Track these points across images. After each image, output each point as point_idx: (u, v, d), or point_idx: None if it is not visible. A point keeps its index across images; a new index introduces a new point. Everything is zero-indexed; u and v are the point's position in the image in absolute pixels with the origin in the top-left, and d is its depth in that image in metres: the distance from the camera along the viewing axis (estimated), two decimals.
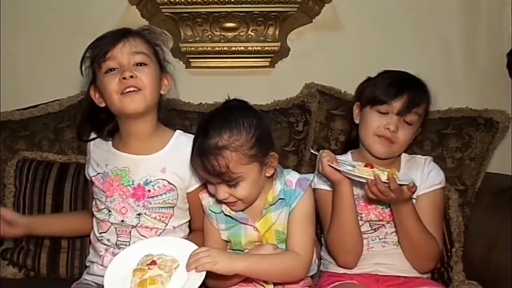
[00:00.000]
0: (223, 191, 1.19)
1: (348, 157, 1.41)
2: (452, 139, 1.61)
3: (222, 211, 1.26)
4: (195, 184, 1.32)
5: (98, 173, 1.34)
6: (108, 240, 1.31)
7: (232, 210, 1.24)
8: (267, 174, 1.23)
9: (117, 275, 1.15)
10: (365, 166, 1.28)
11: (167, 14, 1.73)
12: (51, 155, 1.62)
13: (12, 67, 1.82)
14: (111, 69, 1.26)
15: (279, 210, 1.25)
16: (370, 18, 1.84)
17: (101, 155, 1.36)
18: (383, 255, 1.33)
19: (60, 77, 1.81)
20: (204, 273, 1.12)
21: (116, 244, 1.31)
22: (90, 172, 1.36)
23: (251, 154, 1.17)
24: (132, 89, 1.25)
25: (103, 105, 1.31)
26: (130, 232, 1.30)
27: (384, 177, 1.22)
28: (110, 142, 1.36)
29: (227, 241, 1.29)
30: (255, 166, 1.18)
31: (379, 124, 1.33)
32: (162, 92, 1.33)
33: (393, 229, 1.33)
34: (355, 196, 1.31)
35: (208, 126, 1.18)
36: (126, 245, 1.29)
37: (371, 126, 1.34)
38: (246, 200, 1.22)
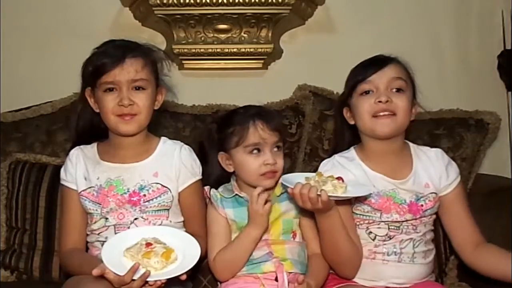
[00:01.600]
0: (272, 157, 1.30)
1: (352, 153, 1.37)
2: (443, 140, 1.62)
3: (237, 194, 1.32)
4: (185, 183, 1.35)
5: (89, 187, 1.33)
6: (106, 237, 1.31)
7: (266, 185, 1.28)
8: None
9: (114, 251, 1.17)
10: (337, 179, 1.25)
11: (160, 15, 1.73)
12: (45, 157, 1.60)
13: (7, 69, 1.81)
14: (110, 89, 1.29)
15: (287, 201, 1.32)
16: (362, 20, 1.85)
17: (87, 169, 1.35)
18: (398, 270, 1.30)
19: (52, 79, 1.80)
20: (196, 258, 1.17)
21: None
22: (79, 186, 1.34)
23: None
24: (128, 117, 1.29)
25: (98, 110, 1.33)
26: (128, 227, 1.30)
27: (329, 187, 1.21)
28: (96, 155, 1.36)
29: (233, 221, 1.32)
30: None
31: (370, 102, 1.29)
32: (155, 108, 1.35)
33: (408, 236, 1.31)
34: (374, 193, 1.29)
35: (240, 108, 1.37)
36: None
37: (364, 110, 1.30)
38: (280, 173, 1.31)
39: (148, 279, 1.12)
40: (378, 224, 1.31)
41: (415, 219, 1.31)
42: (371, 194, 1.29)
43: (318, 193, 1.19)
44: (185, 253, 1.19)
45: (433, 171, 1.35)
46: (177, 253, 1.18)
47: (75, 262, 1.30)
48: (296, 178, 1.25)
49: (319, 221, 1.26)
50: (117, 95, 1.29)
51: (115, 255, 1.16)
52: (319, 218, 1.25)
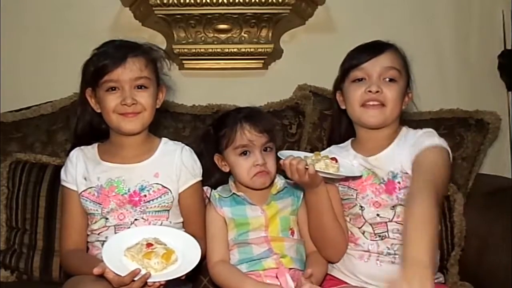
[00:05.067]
0: (261, 157, 1.32)
1: (347, 143, 1.38)
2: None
3: (234, 193, 1.34)
4: (185, 184, 1.35)
5: (90, 187, 1.33)
6: (106, 237, 1.31)
7: (259, 185, 1.32)
8: None
9: (114, 250, 1.18)
10: (331, 159, 1.27)
11: (160, 15, 1.73)
12: (45, 157, 1.60)
13: (7, 69, 1.80)
14: (112, 88, 1.29)
15: (284, 199, 1.36)
16: (362, 20, 1.85)
17: (87, 169, 1.35)
18: (393, 272, 1.25)
19: (52, 79, 1.80)
20: (196, 261, 1.17)
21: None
22: (80, 187, 1.34)
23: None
24: (131, 115, 1.29)
25: (99, 111, 1.33)
26: (128, 228, 1.30)
27: (321, 165, 1.24)
28: (97, 155, 1.36)
29: (231, 219, 1.33)
30: None
31: (361, 91, 1.27)
32: (156, 106, 1.35)
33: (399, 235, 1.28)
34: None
35: (233, 110, 1.40)
36: None
37: (354, 98, 1.29)
38: (272, 173, 1.34)
39: (147, 280, 1.13)
40: (355, 199, 1.31)
41: (392, 201, 1.27)
42: (361, 176, 1.29)
43: (307, 166, 1.22)
44: (185, 255, 1.19)
45: (407, 149, 1.28)
46: (177, 255, 1.18)
47: (75, 262, 1.30)
48: (294, 155, 1.29)
49: (307, 197, 1.31)
50: (119, 94, 1.29)
51: (116, 254, 1.16)
52: (307, 193, 1.30)
